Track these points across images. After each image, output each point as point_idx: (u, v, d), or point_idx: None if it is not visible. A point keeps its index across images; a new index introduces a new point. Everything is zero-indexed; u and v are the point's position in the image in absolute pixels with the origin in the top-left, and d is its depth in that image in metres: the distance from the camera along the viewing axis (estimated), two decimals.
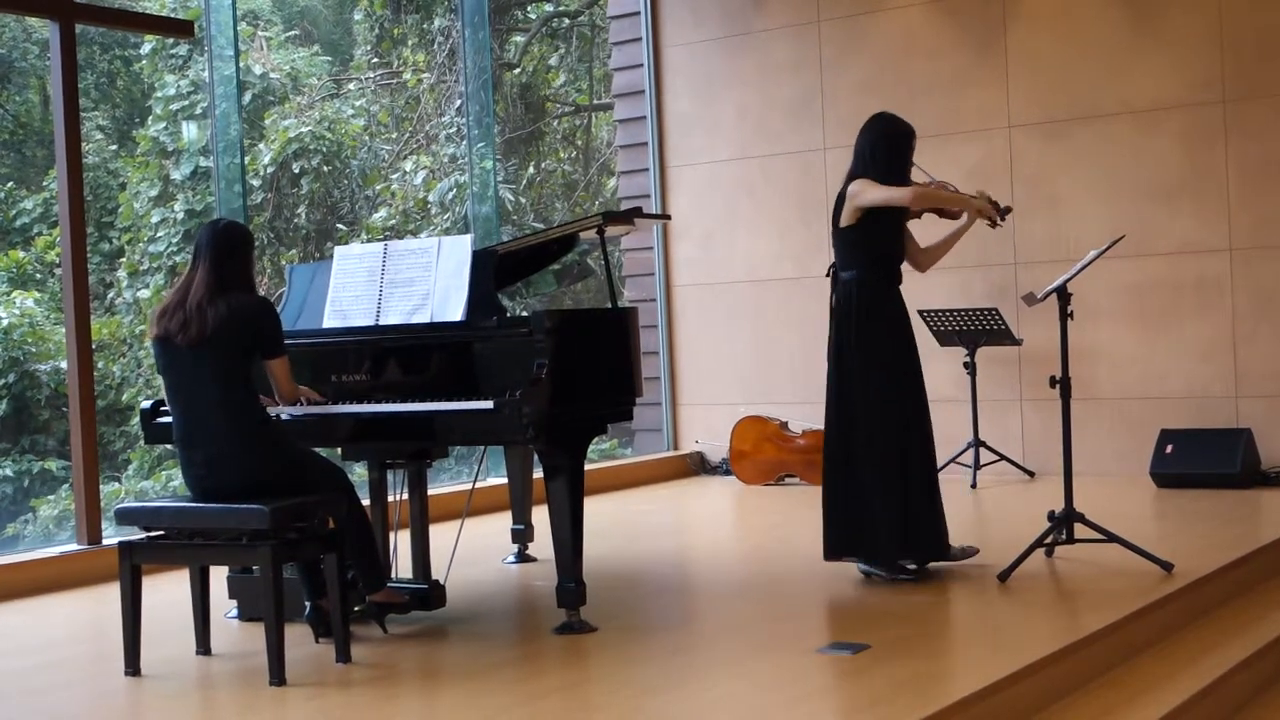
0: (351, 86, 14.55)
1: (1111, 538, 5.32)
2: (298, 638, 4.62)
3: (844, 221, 5.40)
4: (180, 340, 4.34)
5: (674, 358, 9.83)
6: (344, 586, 4.42)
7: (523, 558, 6.21)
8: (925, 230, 5.68)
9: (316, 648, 4.60)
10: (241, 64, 10.43)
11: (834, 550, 5.42)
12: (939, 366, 7.87)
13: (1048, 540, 5.42)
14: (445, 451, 5.38)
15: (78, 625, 5.51)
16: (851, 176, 5.42)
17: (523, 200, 13.82)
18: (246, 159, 10.26)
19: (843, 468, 5.38)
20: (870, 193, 5.31)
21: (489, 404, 4.46)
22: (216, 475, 4.36)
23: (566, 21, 14.88)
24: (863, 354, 5.35)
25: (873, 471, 5.30)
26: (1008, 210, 5.67)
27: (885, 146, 5.40)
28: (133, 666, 4.39)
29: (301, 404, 4.68)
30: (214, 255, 4.42)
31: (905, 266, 5.53)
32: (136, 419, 7.68)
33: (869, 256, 5.39)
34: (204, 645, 4.62)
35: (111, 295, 12.81)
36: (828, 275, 5.53)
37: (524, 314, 4.83)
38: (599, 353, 4.76)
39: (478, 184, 9.09)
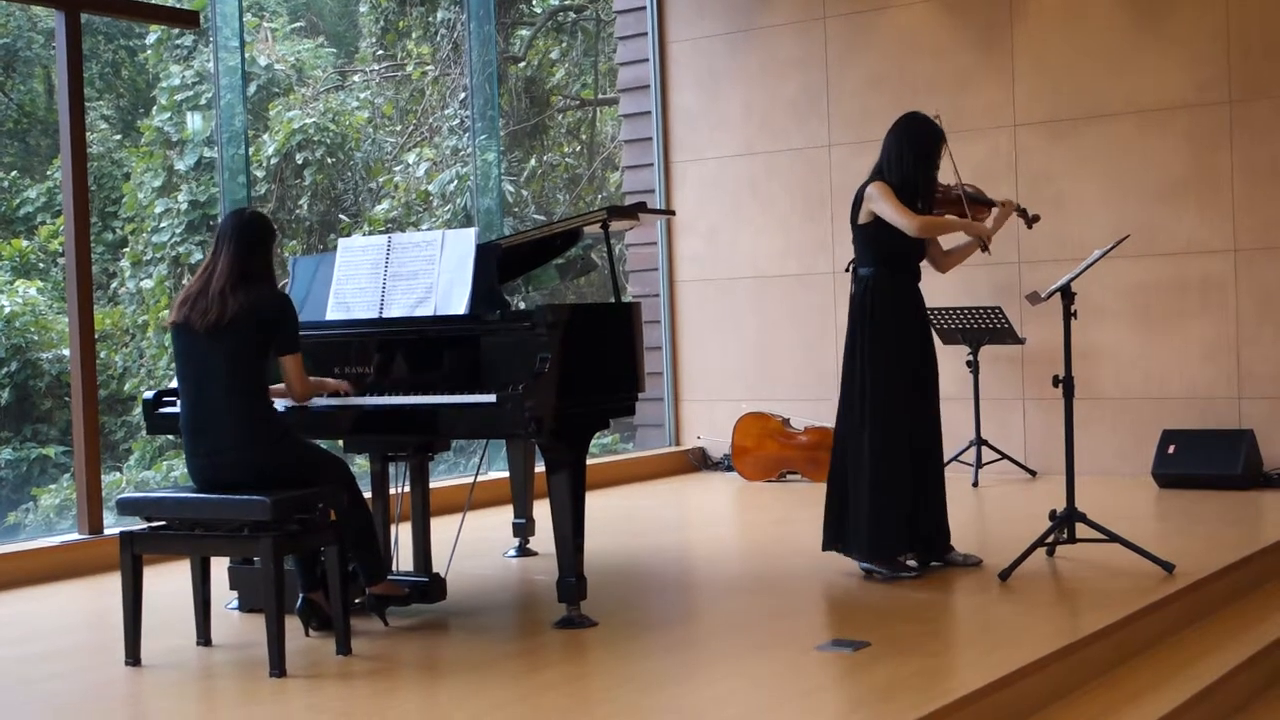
0: (356, 78, 14.55)
1: (1113, 538, 5.32)
2: (298, 629, 4.63)
3: (861, 219, 5.41)
4: (199, 326, 4.35)
5: (677, 353, 9.82)
6: (344, 578, 4.43)
7: (523, 552, 6.21)
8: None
9: (318, 639, 4.60)
10: (247, 55, 10.42)
11: (827, 542, 5.48)
12: (942, 364, 7.82)
13: (1049, 539, 5.42)
14: (447, 444, 5.38)
15: (78, 615, 5.50)
16: (876, 173, 5.42)
17: (524, 193, 13.81)
18: (251, 150, 10.24)
19: (844, 460, 5.41)
20: (883, 206, 5.31)
21: (491, 398, 4.46)
22: (220, 464, 4.36)
23: (572, 16, 14.87)
24: (872, 349, 5.37)
25: (869, 466, 5.31)
26: (1035, 219, 5.70)
27: (910, 150, 5.39)
28: (133, 656, 4.39)
29: (342, 393, 4.67)
30: (238, 245, 4.42)
31: (925, 265, 5.54)
32: (138, 409, 7.69)
33: (885, 254, 5.39)
34: (204, 636, 4.62)
35: (114, 285, 12.82)
36: (847, 270, 5.54)
37: (526, 308, 4.83)
38: (602, 347, 4.76)
39: (480, 176, 9.08)
